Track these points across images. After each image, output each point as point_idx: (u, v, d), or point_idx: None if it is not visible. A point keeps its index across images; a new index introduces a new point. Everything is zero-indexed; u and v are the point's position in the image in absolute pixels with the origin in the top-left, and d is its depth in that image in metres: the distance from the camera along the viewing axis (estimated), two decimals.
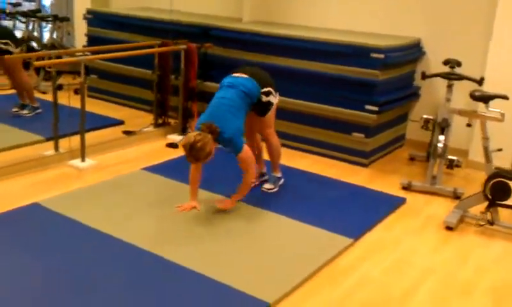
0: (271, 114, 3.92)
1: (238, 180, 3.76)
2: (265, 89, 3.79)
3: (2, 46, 5.08)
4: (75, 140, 4.54)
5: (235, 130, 3.51)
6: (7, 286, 2.77)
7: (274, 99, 3.88)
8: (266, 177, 4.23)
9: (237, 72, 3.83)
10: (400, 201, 4.15)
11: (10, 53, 5.16)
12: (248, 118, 3.80)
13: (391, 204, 4.08)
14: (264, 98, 3.79)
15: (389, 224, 3.81)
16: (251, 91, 3.70)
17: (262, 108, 3.84)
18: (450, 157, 4.61)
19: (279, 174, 4.16)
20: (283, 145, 5.17)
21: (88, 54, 5.70)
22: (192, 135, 3.36)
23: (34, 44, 7.34)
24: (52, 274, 2.90)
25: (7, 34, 5.28)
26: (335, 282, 3.03)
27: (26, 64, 6.16)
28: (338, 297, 2.88)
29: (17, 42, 5.24)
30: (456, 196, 4.26)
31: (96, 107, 6.15)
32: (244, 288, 2.83)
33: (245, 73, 3.78)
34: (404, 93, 5.18)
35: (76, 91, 5.69)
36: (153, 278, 2.91)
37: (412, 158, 5.14)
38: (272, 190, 4.11)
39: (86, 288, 2.80)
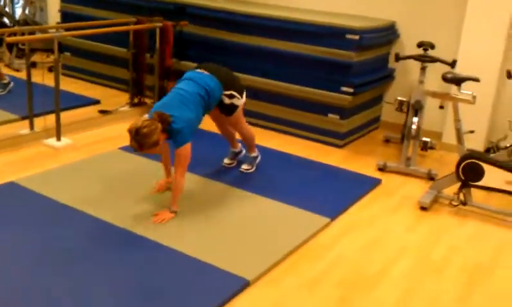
0: (238, 113, 3.84)
1: (212, 158, 3.78)
2: (228, 92, 3.67)
3: None
4: (51, 119, 4.49)
5: (187, 122, 3.30)
6: None
7: (239, 101, 3.76)
8: (242, 154, 4.25)
9: (201, 68, 3.67)
10: (376, 182, 4.22)
11: None
12: (215, 114, 3.84)
13: (366, 184, 4.16)
14: (227, 100, 3.68)
15: (365, 204, 3.88)
16: (213, 91, 3.54)
17: (226, 109, 3.77)
18: (424, 138, 4.69)
19: (255, 154, 4.19)
20: (258, 125, 5.24)
21: (62, 31, 5.60)
22: (141, 120, 3.17)
23: (6, 20, 7.18)
24: (29, 251, 2.89)
25: None
26: (312, 260, 3.09)
27: None
28: (315, 275, 2.95)
29: None
30: (430, 177, 4.36)
31: (71, 85, 6.07)
32: (224, 266, 2.87)
33: (209, 71, 3.63)
34: (379, 74, 5.24)
35: (50, 69, 5.60)
36: (131, 256, 2.93)
37: (387, 140, 5.22)
38: (249, 171, 4.15)
39: (62, 264, 2.80)
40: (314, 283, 2.88)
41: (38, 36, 4.70)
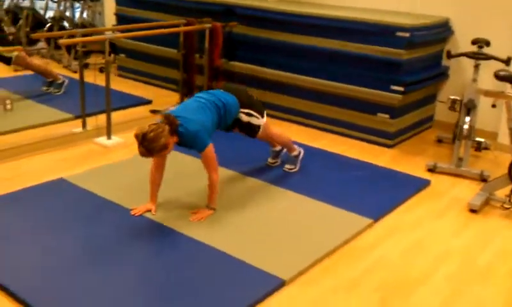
0: (263, 133, 3.78)
1: (257, 158, 3.77)
2: (246, 110, 3.62)
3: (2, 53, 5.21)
4: (103, 118, 4.62)
5: (201, 124, 3.24)
6: (35, 256, 2.87)
7: (258, 121, 3.69)
8: (284, 152, 4.22)
9: (223, 89, 3.66)
10: (425, 183, 4.10)
11: (9, 58, 5.34)
12: None
13: (414, 185, 4.04)
14: (244, 118, 3.62)
15: (411, 205, 3.77)
16: (229, 104, 3.50)
17: (246, 130, 3.70)
18: (478, 138, 4.51)
19: (295, 152, 4.13)
20: (306, 125, 5.20)
21: (116, 33, 5.77)
22: (148, 124, 3.07)
23: (66, 24, 7.46)
24: (73, 245, 2.99)
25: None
26: (351, 262, 3.03)
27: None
28: (353, 277, 2.89)
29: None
30: (482, 179, 4.19)
31: (125, 86, 6.24)
32: (260, 265, 2.86)
33: (228, 91, 3.61)
34: (431, 73, 5.09)
35: (101, 70, 5.77)
36: (169, 252, 2.97)
37: (440, 140, 5.06)
38: (293, 170, 4.12)
39: (103, 258, 2.88)
40: (353, 285, 2.83)
41: (91, 38, 4.84)
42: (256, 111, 3.68)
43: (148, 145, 3.03)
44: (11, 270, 2.75)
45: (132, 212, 3.36)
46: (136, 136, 3.04)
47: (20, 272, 2.74)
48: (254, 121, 3.67)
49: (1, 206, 3.40)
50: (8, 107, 4.38)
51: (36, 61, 5.85)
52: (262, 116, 3.73)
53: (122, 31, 5.59)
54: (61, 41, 4.53)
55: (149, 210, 3.38)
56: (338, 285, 2.81)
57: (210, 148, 3.26)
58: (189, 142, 3.24)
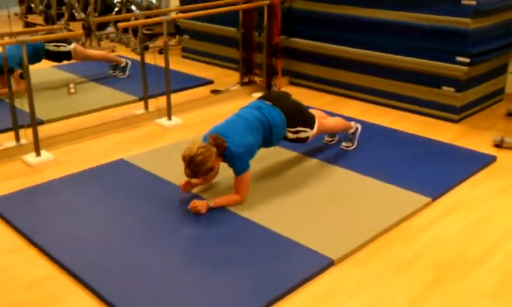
0: (316, 134, 3.67)
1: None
2: (293, 129, 3.49)
3: (59, 48, 5.27)
4: (164, 99, 4.71)
5: (246, 147, 3.18)
6: (95, 232, 3.00)
7: (307, 133, 3.57)
8: (336, 137, 4.14)
9: (269, 100, 3.50)
10: (490, 159, 3.90)
11: (68, 52, 5.36)
12: None
13: (478, 161, 3.85)
14: (291, 136, 3.52)
15: (473, 182, 3.60)
16: (276, 125, 3.38)
17: (296, 142, 3.61)
18: None
19: (353, 129, 4.03)
20: (368, 101, 5.08)
21: (174, 14, 5.83)
22: (195, 146, 3.04)
23: (133, 7, 7.63)
24: (128, 222, 3.10)
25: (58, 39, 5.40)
26: (405, 242, 2.94)
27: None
28: (407, 257, 2.80)
29: (68, 41, 5.36)
30: None
31: (189, 67, 6.33)
32: (309, 244, 2.83)
33: (275, 103, 3.46)
34: (501, 42, 4.80)
35: (160, 51, 5.87)
36: (224, 231, 3.00)
37: (510, 114, 4.78)
38: (350, 147, 4.03)
39: (158, 235, 2.97)
40: (405, 264, 2.74)
41: (148, 20, 4.92)
42: (305, 127, 3.57)
43: (194, 168, 3.03)
44: (72, 246, 2.88)
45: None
46: (183, 158, 3.05)
47: (80, 249, 2.86)
48: (302, 135, 3.57)
49: (64, 187, 3.55)
50: (72, 91, 4.56)
51: (93, 51, 6.03)
52: (312, 128, 3.60)
53: (184, 12, 5.64)
54: (120, 24, 4.63)
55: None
56: (388, 266, 2.74)
57: (247, 174, 3.21)
58: (230, 162, 3.20)
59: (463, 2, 4.36)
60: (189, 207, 3.18)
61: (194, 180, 3.33)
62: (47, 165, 3.89)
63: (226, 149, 3.13)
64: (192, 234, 3.00)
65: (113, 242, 2.93)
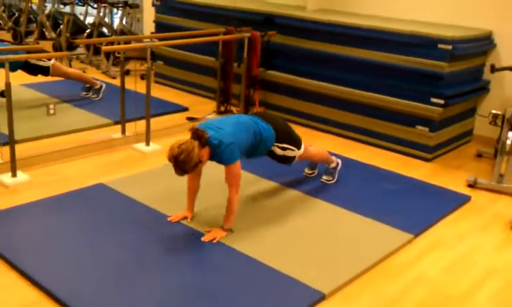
0: (299, 158, 3.70)
1: (294, 168, 3.74)
2: (281, 145, 3.55)
3: (38, 62, 5.22)
4: (141, 124, 4.67)
5: (236, 138, 3.17)
6: (74, 260, 2.91)
7: (294, 153, 3.63)
8: (316, 170, 4.20)
9: (258, 115, 3.56)
10: (465, 198, 4.02)
11: (47, 68, 5.31)
12: None
13: (455, 201, 3.97)
14: (279, 151, 3.57)
15: (451, 221, 3.70)
16: (266, 134, 3.42)
17: (282, 161, 3.66)
18: None
19: (334, 164, 4.10)
20: (344, 136, 5.17)
21: (155, 40, 5.83)
22: (176, 145, 3.00)
23: (105, 30, 7.58)
24: (111, 250, 3.01)
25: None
26: (391, 278, 2.98)
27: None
28: (393, 294, 2.84)
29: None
30: None
31: (162, 93, 6.30)
32: (299, 277, 2.84)
33: (270, 123, 3.49)
34: (472, 86, 5.01)
35: (142, 77, 5.82)
36: (211, 263, 2.97)
37: (479, 155, 4.96)
38: (330, 182, 4.09)
39: (141, 265, 2.90)
40: (393, 302, 2.78)
41: (132, 45, 4.91)
42: (292, 145, 3.63)
43: (183, 166, 3.01)
44: (50, 272, 2.79)
45: (169, 219, 3.39)
46: (169, 159, 3.03)
47: (59, 275, 2.77)
48: (289, 153, 3.62)
49: (43, 210, 3.46)
50: (51, 111, 4.46)
51: (71, 69, 5.93)
52: (299, 148, 3.67)
53: (161, 39, 5.65)
54: (104, 48, 4.60)
55: (185, 218, 3.40)
56: (377, 302, 2.77)
57: (238, 165, 3.18)
58: (219, 155, 3.14)
59: (439, 46, 4.54)
60: (204, 240, 3.15)
61: (189, 213, 3.38)
62: (23, 186, 3.78)
63: (214, 139, 3.09)
64: (177, 265, 2.95)
65: (92, 271, 2.85)
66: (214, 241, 3.16)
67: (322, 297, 2.73)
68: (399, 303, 2.78)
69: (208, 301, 2.64)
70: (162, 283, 2.77)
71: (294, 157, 3.67)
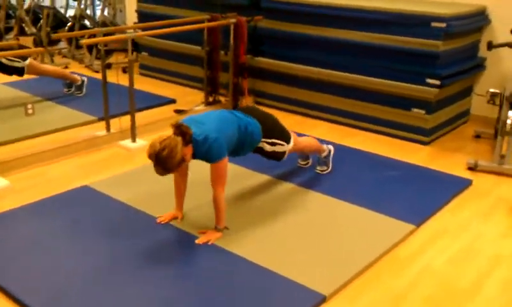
0: (289, 152, 3.51)
1: (286, 159, 3.57)
2: (270, 140, 3.33)
3: (12, 63, 4.98)
4: (127, 119, 4.47)
5: (221, 132, 2.96)
6: (65, 265, 2.74)
7: (284, 147, 3.42)
8: (310, 160, 4.03)
9: (243, 111, 3.35)
10: (466, 183, 3.86)
11: (21, 68, 5.05)
12: None
13: (455, 186, 3.81)
14: (268, 147, 3.34)
15: (454, 208, 3.55)
16: (251, 126, 3.21)
17: (272, 157, 3.44)
18: None
19: (326, 152, 3.91)
20: (337, 122, 5.00)
21: (138, 30, 5.62)
22: (157, 141, 2.78)
23: (87, 22, 7.34)
24: (97, 258, 2.84)
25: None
26: (395, 272, 2.83)
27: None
28: (399, 290, 2.69)
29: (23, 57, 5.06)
30: None
31: (148, 85, 6.10)
32: (297, 279, 2.67)
33: (254, 116, 3.29)
34: (468, 64, 4.84)
35: (124, 70, 5.61)
36: (201, 265, 2.80)
37: (478, 136, 4.80)
38: (325, 171, 3.92)
39: (131, 270, 2.73)
40: (399, 298, 2.63)
41: (112, 37, 4.69)
42: (281, 140, 3.42)
43: (164, 164, 2.79)
44: (28, 287, 2.61)
45: (158, 220, 3.21)
46: (150, 157, 2.80)
47: (37, 290, 2.59)
48: (278, 148, 3.41)
49: (26, 216, 3.28)
50: (30, 111, 4.25)
51: (49, 66, 5.68)
52: (288, 143, 3.47)
53: (144, 29, 5.43)
54: (83, 41, 4.39)
55: (175, 218, 3.23)
56: (382, 300, 2.62)
57: (225, 162, 2.98)
58: (204, 152, 2.92)
59: (432, 24, 4.36)
60: (199, 242, 2.97)
61: (178, 213, 3.20)
62: (3, 193, 3.58)
63: (198, 136, 2.88)
64: (167, 268, 2.79)
65: (81, 279, 2.68)
66: (209, 243, 2.99)
67: (323, 299, 2.56)
68: (405, 299, 2.62)
69: (198, 304, 2.47)
70: (154, 290, 2.60)
71: (284, 152, 3.46)
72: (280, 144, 3.40)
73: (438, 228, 3.29)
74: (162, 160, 2.77)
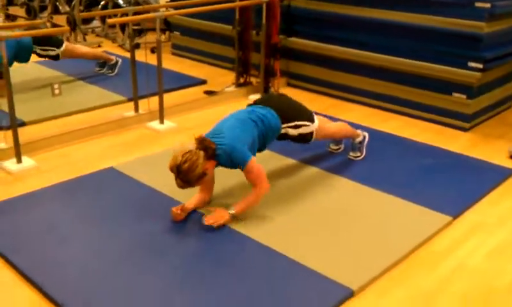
0: (318, 135, 3.38)
1: (318, 143, 3.42)
2: (292, 123, 3.23)
3: (47, 52, 4.95)
4: (155, 100, 4.39)
5: (237, 139, 2.93)
6: (87, 250, 2.69)
7: (309, 128, 3.30)
8: (342, 145, 3.88)
9: (260, 102, 3.29)
10: (508, 173, 3.64)
11: (56, 55, 5.01)
12: None
13: (497, 175, 3.60)
14: (292, 132, 3.25)
15: (494, 199, 3.34)
16: (267, 119, 3.13)
17: (300, 140, 3.34)
18: None
19: (360, 138, 3.75)
20: (372, 106, 4.81)
21: (170, 9, 5.51)
22: (180, 153, 2.78)
23: (120, 1, 7.26)
24: (119, 244, 2.77)
25: (46, 41, 4.95)
26: (428, 268, 2.66)
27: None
28: (431, 287, 2.53)
29: (57, 43, 5.02)
30: None
31: (179, 65, 6.01)
32: (325, 272, 2.54)
33: (270, 106, 3.21)
34: None
35: (152, 50, 5.51)
36: (225, 253, 2.70)
37: None
38: (358, 157, 3.75)
39: (151, 256, 2.67)
40: (430, 296, 2.47)
41: (140, 16, 4.59)
42: (303, 120, 3.29)
43: (184, 177, 2.77)
44: (51, 273, 2.55)
45: (174, 218, 2.99)
46: (171, 169, 2.79)
47: (60, 277, 2.53)
48: (304, 130, 3.29)
49: (48, 199, 3.23)
50: (56, 91, 4.20)
51: (84, 48, 5.63)
52: (313, 121, 3.33)
53: (176, 8, 5.32)
54: (109, 20, 4.31)
55: (182, 209, 3.00)
56: (413, 296, 2.46)
57: (253, 161, 2.92)
58: (229, 162, 2.92)
59: (476, 4, 4.11)
60: (205, 223, 2.89)
61: (187, 205, 3.03)
62: (29, 173, 3.55)
63: (218, 149, 2.87)
64: (190, 257, 2.70)
65: (103, 264, 2.61)
66: (215, 225, 2.87)
67: (351, 294, 2.43)
68: (437, 297, 2.47)
69: (217, 301, 2.36)
70: (171, 275, 2.52)
71: (312, 133, 3.32)
72: (303, 125, 3.28)
73: (476, 220, 3.10)
74: (183, 173, 2.75)
